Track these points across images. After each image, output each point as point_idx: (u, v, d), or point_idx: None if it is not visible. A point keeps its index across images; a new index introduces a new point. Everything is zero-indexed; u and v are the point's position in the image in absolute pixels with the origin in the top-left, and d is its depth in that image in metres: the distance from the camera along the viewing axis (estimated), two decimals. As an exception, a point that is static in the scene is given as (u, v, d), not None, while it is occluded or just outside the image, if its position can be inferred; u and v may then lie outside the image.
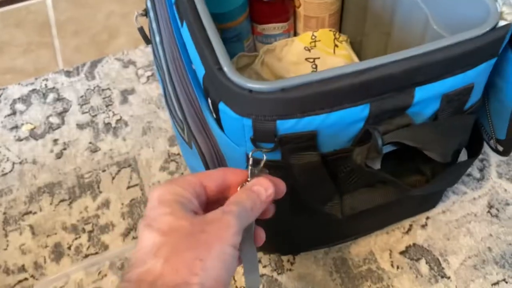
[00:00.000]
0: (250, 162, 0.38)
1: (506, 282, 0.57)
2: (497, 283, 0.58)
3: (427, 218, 0.63)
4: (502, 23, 0.40)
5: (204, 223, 0.30)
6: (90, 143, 0.74)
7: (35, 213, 0.67)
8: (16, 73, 0.85)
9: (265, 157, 0.38)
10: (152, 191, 0.32)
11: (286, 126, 0.39)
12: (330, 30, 0.68)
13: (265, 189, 0.34)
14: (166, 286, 0.26)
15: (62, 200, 0.68)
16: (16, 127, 0.77)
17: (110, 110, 0.78)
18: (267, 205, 0.34)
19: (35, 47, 0.90)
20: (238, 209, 0.31)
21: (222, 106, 0.40)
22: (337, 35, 0.67)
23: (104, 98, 0.80)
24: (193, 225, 0.29)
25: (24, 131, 0.76)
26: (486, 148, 0.64)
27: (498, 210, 0.63)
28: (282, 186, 0.36)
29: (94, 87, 0.81)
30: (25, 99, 0.81)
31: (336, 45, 0.66)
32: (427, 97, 0.40)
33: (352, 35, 0.70)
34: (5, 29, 0.93)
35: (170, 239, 0.28)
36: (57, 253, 0.63)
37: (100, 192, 0.69)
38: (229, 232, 0.29)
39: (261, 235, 0.36)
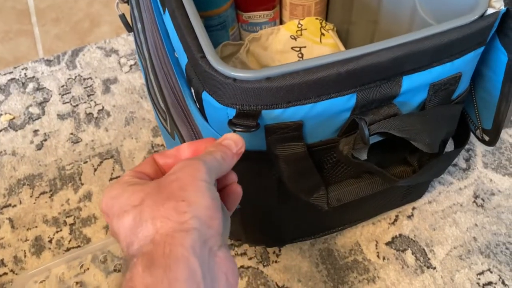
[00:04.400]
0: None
1: (491, 272, 0.58)
2: (482, 272, 0.58)
3: (413, 208, 0.63)
4: (490, 11, 0.39)
5: (171, 174, 0.29)
6: (72, 134, 0.72)
7: (14, 206, 0.65)
8: (-6, 62, 0.83)
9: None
10: (101, 203, 0.31)
11: (271, 116, 0.38)
12: (316, 19, 0.67)
13: (235, 141, 0.34)
14: (165, 236, 0.26)
15: (43, 193, 0.67)
16: (-6, 117, 0.75)
17: (92, 100, 0.76)
18: (238, 158, 0.34)
19: (14, 35, 0.87)
20: (205, 156, 0.31)
21: (205, 95, 0.38)
22: (323, 24, 0.66)
23: (85, 87, 0.78)
24: (160, 181, 0.29)
25: (3, 121, 0.74)
26: (472, 138, 0.64)
27: (483, 200, 0.64)
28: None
29: (75, 77, 0.79)
30: (3, 89, 0.78)
31: (322, 34, 0.65)
32: (414, 86, 0.40)
33: (339, 23, 0.69)
34: (-17, 16, 0.90)
35: (145, 204, 0.27)
36: (38, 246, 0.62)
37: (82, 184, 0.67)
38: (200, 172, 0.29)
39: (237, 190, 0.35)
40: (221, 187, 0.35)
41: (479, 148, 0.68)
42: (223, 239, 0.30)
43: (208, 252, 0.27)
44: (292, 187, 0.44)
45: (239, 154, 0.34)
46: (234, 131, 0.37)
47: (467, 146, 0.69)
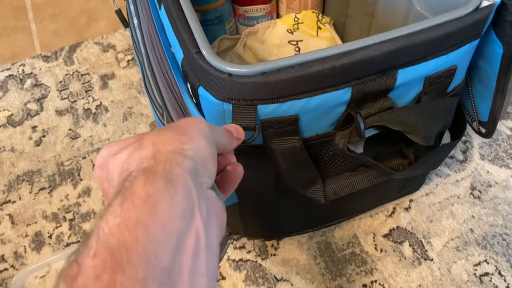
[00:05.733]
0: None
1: (488, 263, 0.58)
2: (478, 264, 0.58)
3: (411, 201, 0.63)
4: (485, 3, 0.40)
5: (175, 122, 0.30)
6: (70, 129, 0.73)
7: (14, 202, 0.66)
8: (-9, 58, 0.83)
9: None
10: (97, 158, 0.30)
11: (267, 110, 0.38)
12: (313, 12, 0.67)
13: (236, 128, 0.34)
14: (166, 155, 0.26)
15: (42, 189, 0.67)
16: (-8, 114, 0.75)
17: (89, 96, 0.76)
18: (238, 142, 0.35)
19: (11, 31, 0.87)
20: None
21: (201, 90, 0.39)
22: (320, 17, 0.66)
23: (83, 83, 0.78)
24: (160, 128, 0.29)
25: (1, 118, 0.75)
26: (469, 130, 0.65)
27: (480, 192, 0.64)
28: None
29: (73, 72, 0.79)
30: (1, 85, 0.78)
31: (319, 27, 0.65)
32: (409, 79, 0.40)
33: (335, 16, 0.69)
34: (-21, 13, 0.90)
35: (145, 136, 0.28)
36: (38, 242, 0.62)
37: (81, 179, 0.67)
38: (202, 123, 0.30)
39: (239, 169, 0.35)
40: (221, 168, 0.35)
41: (476, 140, 0.69)
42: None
43: (200, 184, 0.27)
44: (289, 181, 0.44)
45: (239, 140, 0.35)
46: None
47: (464, 138, 0.69)
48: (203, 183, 0.27)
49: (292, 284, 0.58)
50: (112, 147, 0.28)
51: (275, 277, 0.58)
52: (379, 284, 0.57)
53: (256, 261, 0.59)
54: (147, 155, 0.26)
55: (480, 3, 0.39)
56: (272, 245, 0.61)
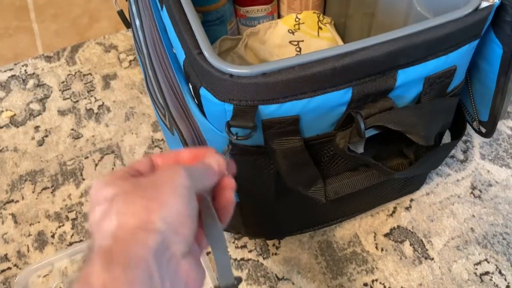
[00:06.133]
0: (229, 148, 0.38)
1: (488, 262, 0.58)
2: (479, 263, 0.58)
3: (411, 200, 0.64)
4: (484, 4, 0.40)
5: (151, 176, 0.29)
6: (72, 129, 0.73)
7: (17, 201, 0.66)
8: (-6, 59, 0.83)
9: (229, 147, 0.38)
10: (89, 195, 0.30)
11: (268, 111, 0.38)
12: (314, 12, 0.67)
13: (217, 161, 0.33)
14: (128, 233, 0.25)
15: (45, 188, 0.67)
16: (-5, 114, 0.75)
17: (92, 96, 0.77)
18: (219, 177, 0.34)
19: (13, 31, 0.88)
20: (189, 165, 0.31)
21: (203, 91, 0.39)
22: (321, 17, 0.67)
23: (85, 83, 0.78)
24: (140, 180, 0.29)
25: (4, 118, 0.75)
26: (469, 129, 0.65)
27: (481, 191, 0.64)
28: (233, 165, 0.36)
29: (75, 72, 0.80)
30: (4, 85, 0.79)
31: (320, 28, 0.66)
32: (409, 80, 0.40)
33: (336, 16, 0.69)
34: (-18, 13, 0.90)
35: (116, 199, 0.27)
36: (41, 241, 0.63)
37: (83, 179, 0.68)
38: (180, 177, 0.28)
39: (229, 198, 0.34)
40: (215, 194, 0.34)
41: (477, 139, 0.69)
42: (201, 247, 0.30)
43: (169, 258, 0.26)
44: (289, 180, 0.44)
45: (220, 174, 0.33)
46: (235, 137, 0.37)
47: (464, 138, 0.69)
48: (173, 254, 0.26)
49: (293, 283, 0.58)
50: (99, 183, 0.28)
51: (277, 276, 0.59)
52: (380, 283, 0.58)
53: (257, 260, 0.60)
54: (108, 231, 0.26)
55: (480, 4, 0.40)
56: (274, 244, 0.61)
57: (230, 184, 0.34)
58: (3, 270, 0.61)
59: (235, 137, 0.38)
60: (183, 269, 0.27)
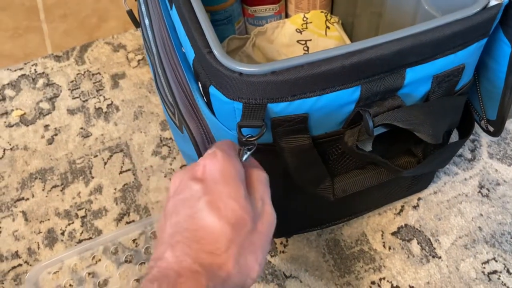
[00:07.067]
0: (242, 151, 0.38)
1: (496, 261, 0.58)
2: (487, 262, 0.58)
3: (419, 199, 0.64)
4: (492, 2, 0.40)
5: (256, 218, 0.34)
6: (82, 128, 0.74)
7: (27, 199, 0.67)
8: (4, 58, 0.84)
9: (248, 153, 0.38)
10: (211, 158, 0.33)
11: (277, 109, 0.39)
12: (321, 12, 0.67)
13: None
14: (234, 285, 0.31)
15: (55, 186, 0.68)
16: (6, 113, 0.76)
17: (101, 95, 0.77)
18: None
19: (23, 31, 0.88)
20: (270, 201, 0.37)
21: (212, 89, 0.39)
22: (328, 17, 0.67)
23: (94, 82, 0.79)
24: (250, 220, 0.33)
25: (14, 117, 0.76)
26: (477, 128, 0.65)
27: (488, 190, 0.64)
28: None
29: (84, 72, 0.81)
30: (14, 85, 0.80)
31: (327, 27, 0.66)
32: (418, 78, 0.40)
33: (344, 16, 0.69)
34: (-8, 14, 0.91)
35: (237, 237, 0.32)
36: (51, 238, 0.63)
37: (93, 177, 0.68)
38: (272, 228, 0.35)
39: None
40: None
41: (484, 138, 0.69)
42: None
43: None
44: (298, 178, 0.45)
45: None
46: (246, 140, 0.38)
47: (472, 137, 0.69)
48: None
49: (301, 281, 0.58)
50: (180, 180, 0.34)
51: (284, 274, 0.59)
52: (387, 281, 0.58)
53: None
54: (225, 275, 0.31)
55: (488, 2, 0.40)
56: (281, 243, 0.61)
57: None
58: (14, 267, 0.61)
59: (244, 139, 0.38)
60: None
